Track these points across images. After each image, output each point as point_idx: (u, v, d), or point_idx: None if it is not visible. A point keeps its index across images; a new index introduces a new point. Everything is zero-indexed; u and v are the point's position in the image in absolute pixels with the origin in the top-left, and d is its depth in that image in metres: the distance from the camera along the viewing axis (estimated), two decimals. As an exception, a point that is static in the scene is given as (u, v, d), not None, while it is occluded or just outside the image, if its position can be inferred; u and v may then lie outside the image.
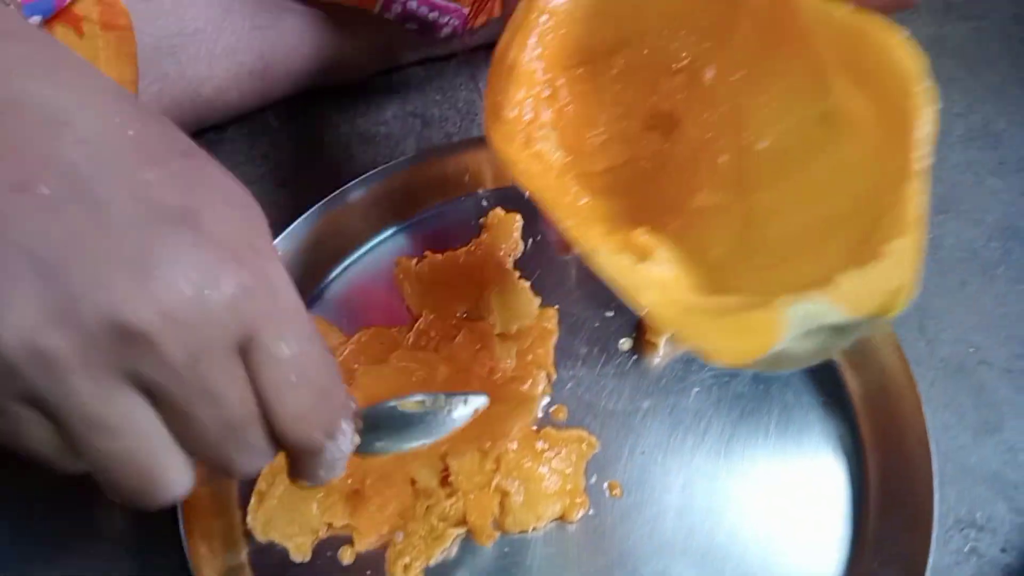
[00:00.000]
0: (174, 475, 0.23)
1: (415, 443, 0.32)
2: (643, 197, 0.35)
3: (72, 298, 0.20)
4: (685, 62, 0.35)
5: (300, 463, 0.26)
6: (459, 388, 0.44)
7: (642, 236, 0.30)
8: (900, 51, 0.27)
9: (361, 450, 0.29)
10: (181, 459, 0.23)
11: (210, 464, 0.24)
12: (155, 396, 0.22)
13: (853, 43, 0.29)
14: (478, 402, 0.34)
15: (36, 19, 0.41)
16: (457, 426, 0.33)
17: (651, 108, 0.36)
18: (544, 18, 0.34)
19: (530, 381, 0.46)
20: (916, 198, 0.26)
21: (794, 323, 0.26)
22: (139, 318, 0.20)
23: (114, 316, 0.20)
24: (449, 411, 0.32)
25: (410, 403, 0.32)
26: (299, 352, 0.23)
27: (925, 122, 0.26)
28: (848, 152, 0.30)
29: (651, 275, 0.29)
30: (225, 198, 0.24)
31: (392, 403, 0.31)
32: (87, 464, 0.22)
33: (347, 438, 0.27)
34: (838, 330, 0.26)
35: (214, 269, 0.21)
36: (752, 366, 0.27)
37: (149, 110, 0.25)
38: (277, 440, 0.24)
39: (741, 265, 0.31)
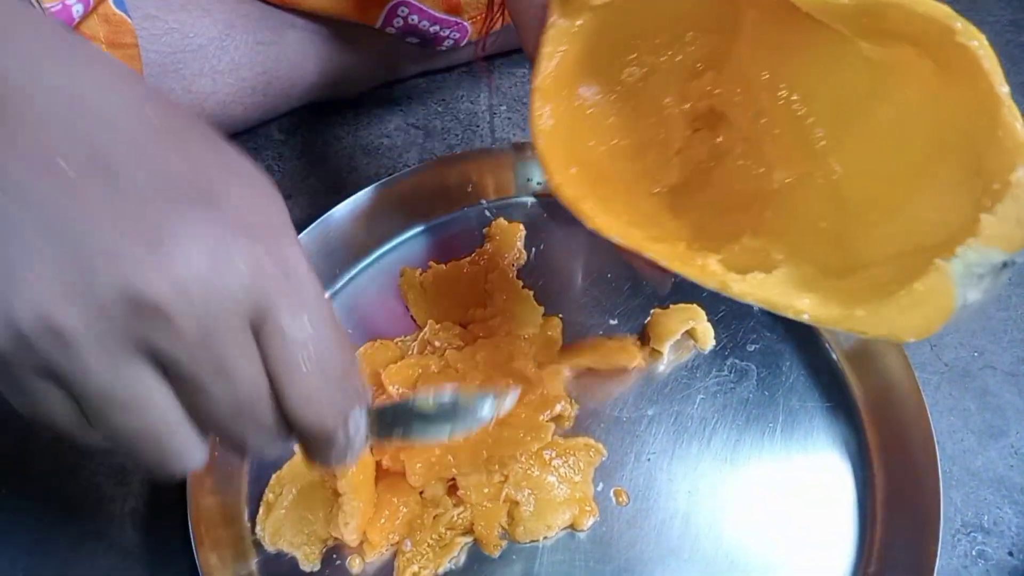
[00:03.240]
0: (188, 449, 0.23)
1: (433, 438, 0.30)
2: (718, 199, 0.35)
3: (87, 272, 0.20)
4: (703, 60, 0.35)
5: (311, 447, 0.26)
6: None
7: (749, 242, 0.31)
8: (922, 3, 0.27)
9: (375, 436, 0.28)
10: (194, 435, 0.23)
11: (223, 440, 0.24)
12: (168, 370, 0.22)
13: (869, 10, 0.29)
14: (504, 403, 0.31)
15: None
16: (483, 424, 0.31)
17: (690, 112, 0.36)
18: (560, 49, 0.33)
19: (548, 411, 0.46)
20: (1016, 122, 0.26)
21: (960, 279, 0.26)
22: (153, 291, 0.20)
23: (128, 289, 0.20)
24: (472, 409, 0.30)
25: (428, 403, 0.30)
26: (311, 334, 0.23)
27: (986, 55, 0.26)
28: (906, 95, 0.30)
29: (784, 283, 0.30)
30: (243, 180, 0.24)
31: (410, 401, 0.30)
32: (104, 438, 0.23)
33: (360, 428, 0.26)
34: (1000, 269, 0.27)
35: (229, 245, 0.21)
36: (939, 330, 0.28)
37: (169, 99, 0.25)
38: (287, 422, 0.24)
39: (853, 231, 0.32)
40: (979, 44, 0.26)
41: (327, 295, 0.53)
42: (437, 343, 0.47)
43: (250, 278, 0.22)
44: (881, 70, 0.31)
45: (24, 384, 0.21)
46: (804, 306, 0.29)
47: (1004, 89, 0.26)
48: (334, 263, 0.53)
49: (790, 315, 0.29)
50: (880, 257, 0.30)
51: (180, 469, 0.24)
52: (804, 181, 0.33)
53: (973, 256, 0.26)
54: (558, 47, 0.32)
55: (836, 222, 0.32)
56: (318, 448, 0.26)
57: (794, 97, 0.34)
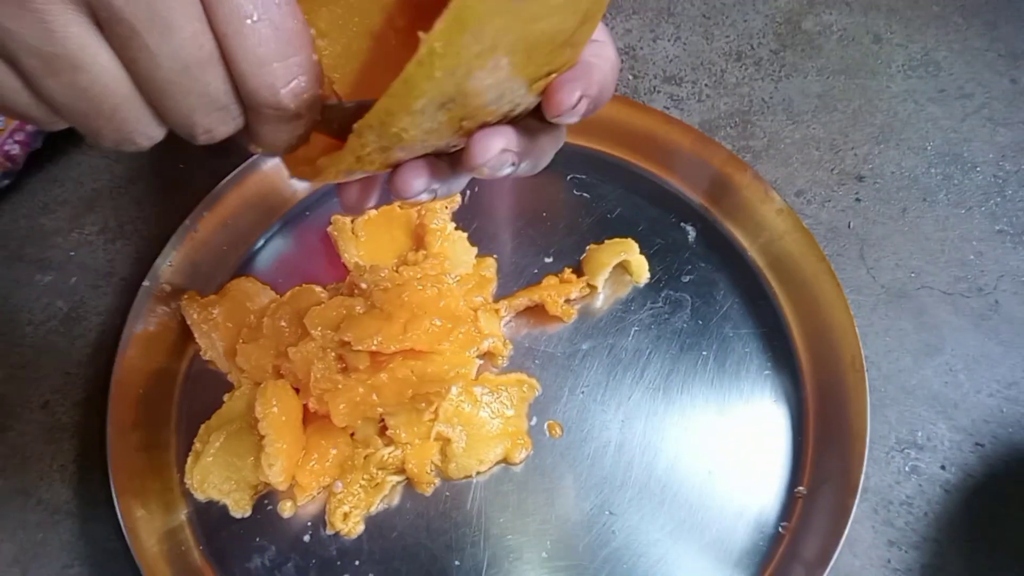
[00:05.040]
0: (143, 121, 0.22)
1: None
2: None
3: None
4: None
5: (262, 124, 0.23)
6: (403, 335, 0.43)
7: None
8: None
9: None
10: (146, 108, 0.22)
11: (173, 122, 0.22)
12: (105, 23, 0.20)
13: None
14: None
15: None
16: None
17: None
18: None
19: (474, 347, 0.45)
20: None
21: None
22: None
23: None
24: None
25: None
26: None
27: None
28: None
29: None
30: None
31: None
32: (55, 108, 0.21)
33: (313, 101, 0.23)
34: None
35: None
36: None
37: None
38: (239, 92, 0.22)
39: None
40: None
41: (262, 239, 0.52)
42: (364, 285, 0.46)
43: None
44: None
45: None
46: None
47: None
48: (264, 211, 0.52)
49: None
50: None
51: (139, 144, 0.23)
52: None
53: None
54: None
55: None
56: (267, 124, 0.23)
57: None
